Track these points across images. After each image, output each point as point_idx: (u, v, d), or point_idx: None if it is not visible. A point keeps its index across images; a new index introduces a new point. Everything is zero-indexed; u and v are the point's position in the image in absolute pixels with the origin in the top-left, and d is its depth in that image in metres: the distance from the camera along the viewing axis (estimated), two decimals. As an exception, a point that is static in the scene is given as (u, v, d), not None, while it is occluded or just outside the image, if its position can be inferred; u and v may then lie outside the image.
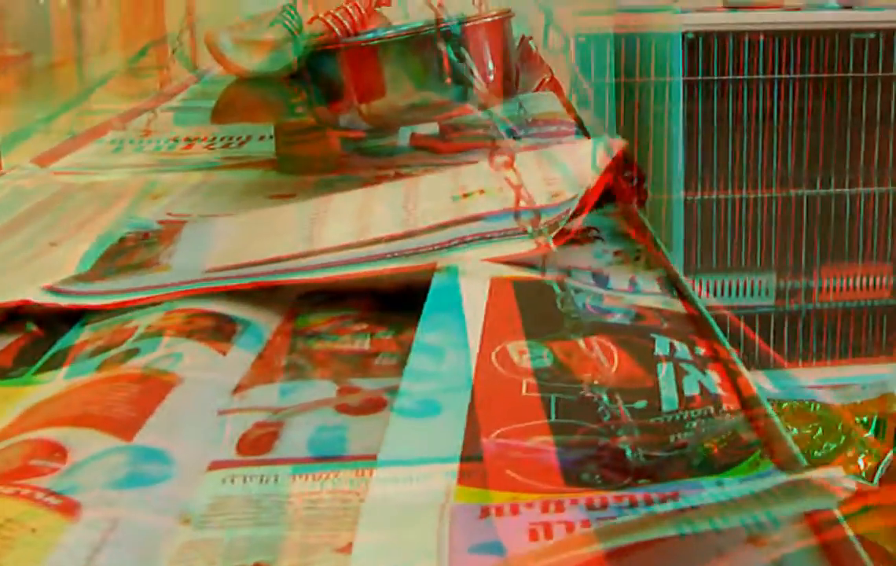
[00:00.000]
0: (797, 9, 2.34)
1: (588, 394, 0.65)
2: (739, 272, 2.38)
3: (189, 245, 1.01)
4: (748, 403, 0.65)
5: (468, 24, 1.20)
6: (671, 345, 0.71)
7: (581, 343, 0.72)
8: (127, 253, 1.01)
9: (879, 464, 2.23)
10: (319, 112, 1.23)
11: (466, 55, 1.19)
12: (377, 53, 1.18)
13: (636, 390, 0.66)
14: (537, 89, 1.84)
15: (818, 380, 2.35)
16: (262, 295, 0.87)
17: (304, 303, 0.87)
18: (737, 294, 2.39)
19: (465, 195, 0.97)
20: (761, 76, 2.30)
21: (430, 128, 1.55)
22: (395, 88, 1.19)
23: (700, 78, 2.31)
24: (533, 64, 2.08)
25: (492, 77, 1.20)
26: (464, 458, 0.58)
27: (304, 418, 0.68)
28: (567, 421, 0.62)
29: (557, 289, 0.79)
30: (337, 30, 1.17)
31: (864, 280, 2.37)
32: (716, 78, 2.31)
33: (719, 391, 0.65)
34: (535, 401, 0.65)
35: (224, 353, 0.76)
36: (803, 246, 2.37)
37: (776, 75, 2.30)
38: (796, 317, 2.39)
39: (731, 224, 2.38)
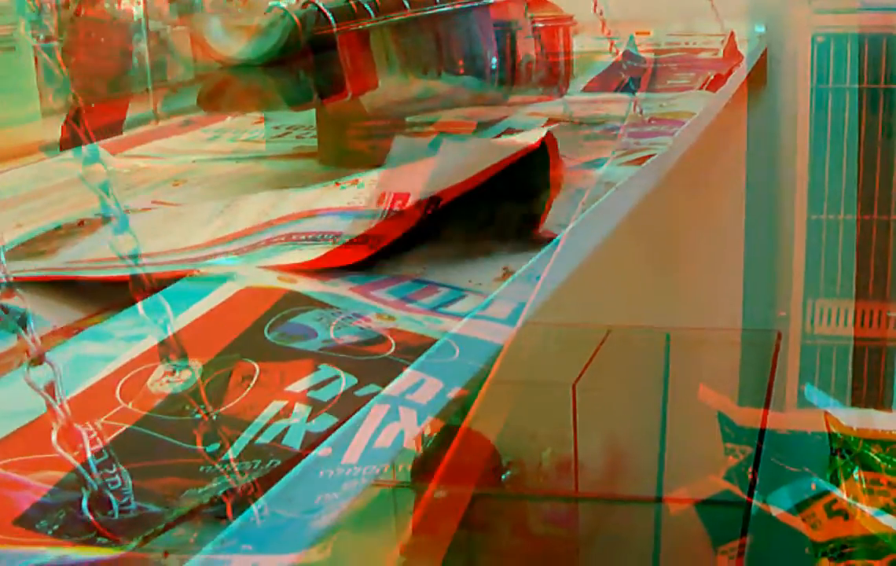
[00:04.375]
0: None
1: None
2: None
3: (99, 237, 0.98)
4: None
5: (472, 7, 1.09)
6: (332, 379, 0.60)
7: (254, 367, 0.62)
8: (46, 240, 1.00)
9: None
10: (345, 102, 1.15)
11: (463, 42, 1.09)
12: (368, 40, 1.09)
13: (245, 424, 0.56)
14: (700, 88, 1.67)
15: None
16: (99, 289, 0.82)
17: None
18: None
19: (337, 184, 0.88)
20: None
21: (536, 121, 1.44)
22: (389, 79, 1.10)
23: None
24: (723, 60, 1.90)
25: (494, 66, 1.08)
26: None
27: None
28: (104, 460, 0.53)
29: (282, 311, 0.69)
30: (330, 15, 1.10)
31: None
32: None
33: (291, 446, 0.53)
34: (108, 432, 0.56)
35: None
36: None
37: None
38: None
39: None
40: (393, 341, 0.65)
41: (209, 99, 1.12)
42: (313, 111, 1.29)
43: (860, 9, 2.10)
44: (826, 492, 2.05)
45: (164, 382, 0.61)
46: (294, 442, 0.53)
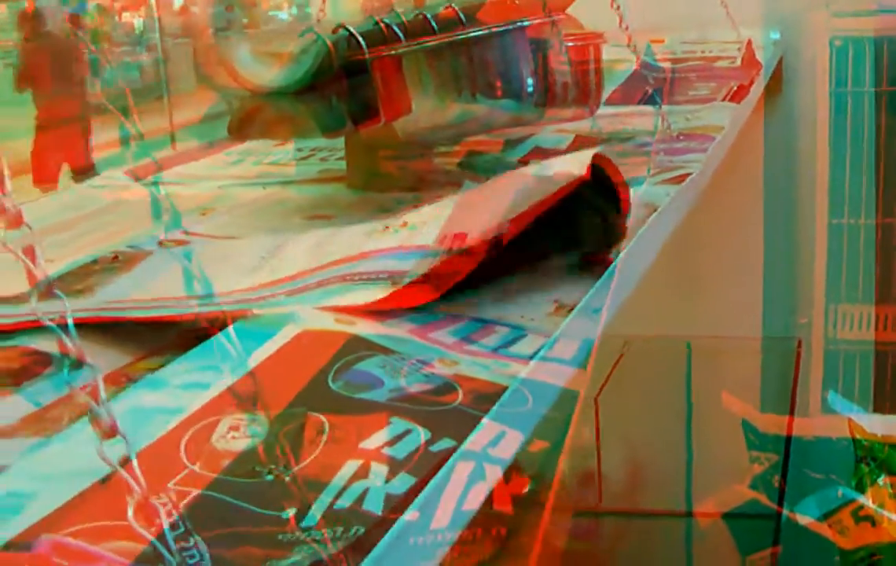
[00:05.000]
0: None
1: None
2: None
3: (138, 274, 0.96)
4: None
5: (507, 30, 1.07)
6: (406, 433, 0.58)
7: (323, 421, 0.60)
8: (81, 277, 0.98)
9: None
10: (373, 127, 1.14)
11: (499, 65, 1.07)
12: (401, 64, 1.08)
13: (321, 485, 0.54)
14: (724, 99, 1.65)
15: None
16: (144, 331, 0.80)
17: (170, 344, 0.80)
18: None
19: (386, 228, 0.86)
20: None
21: (563, 137, 1.42)
22: (423, 103, 1.08)
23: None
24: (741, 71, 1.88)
25: (530, 89, 1.06)
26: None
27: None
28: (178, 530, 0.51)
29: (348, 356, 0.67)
30: (360, 40, 1.08)
31: None
32: None
33: (372, 510, 0.51)
34: (179, 498, 0.54)
35: (-10, 401, 0.70)
36: None
37: None
38: None
39: None
40: (461, 389, 0.64)
41: (240, 127, 1.10)
42: (341, 134, 1.28)
43: (877, 11, 2.09)
44: (852, 499, 2.04)
45: (229, 438, 0.59)
46: (375, 506, 0.51)
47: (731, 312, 2.29)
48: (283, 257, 0.86)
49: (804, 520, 1.97)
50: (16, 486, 0.58)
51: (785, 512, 1.90)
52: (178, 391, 0.67)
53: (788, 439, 1.98)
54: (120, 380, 0.74)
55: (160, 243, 1.07)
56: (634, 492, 2.09)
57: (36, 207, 1.29)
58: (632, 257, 0.91)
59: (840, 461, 2.08)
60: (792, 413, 2.04)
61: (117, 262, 1.01)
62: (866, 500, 2.02)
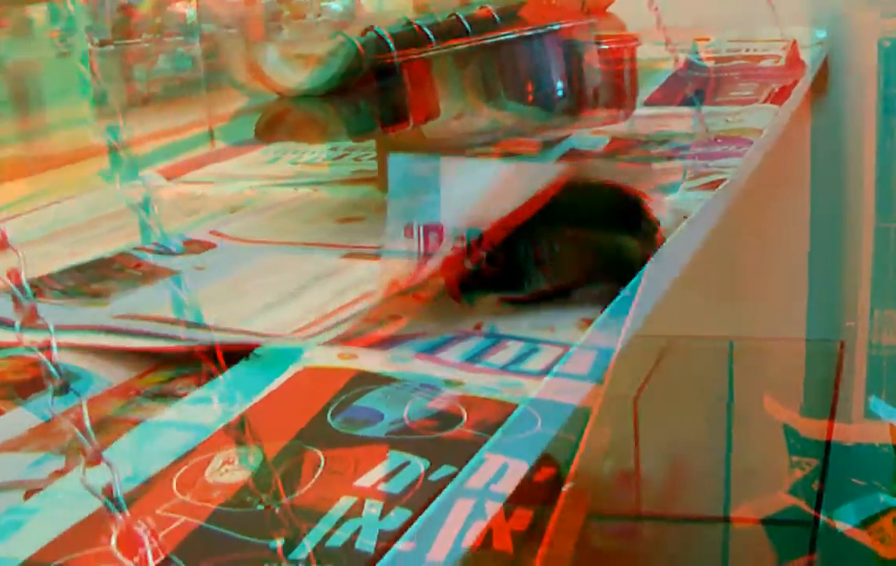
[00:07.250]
0: None
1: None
2: None
3: (161, 289, 0.96)
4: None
5: (538, 34, 1.05)
6: (403, 466, 0.57)
7: (318, 456, 0.59)
8: (101, 278, 0.98)
9: None
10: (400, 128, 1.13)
11: (529, 70, 1.06)
12: (430, 67, 1.07)
13: (313, 519, 0.53)
14: (765, 101, 1.63)
15: None
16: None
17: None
18: None
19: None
20: None
21: (600, 139, 1.41)
22: (452, 107, 1.07)
23: None
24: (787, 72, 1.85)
25: (560, 93, 1.05)
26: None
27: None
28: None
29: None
30: (389, 42, 1.07)
31: None
32: None
33: (365, 549, 0.50)
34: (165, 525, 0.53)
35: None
36: None
37: None
38: None
39: None
40: (465, 412, 0.62)
41: (268, 129, 1.10)
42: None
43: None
44: (894, 506, 2.01)
45: (223, 471, 0.58)
46: (367, 544, 0.50)
47: (775, 313, 2.26)
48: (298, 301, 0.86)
49: (843, 526, 1.94)
50: (17, 504, 0.58)
51: (823, 518, 1.87)
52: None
53: (828, 444, 1.95)
54: (128, 394, 0.74)
55: (186, 243, 1.08)
56: (673, 496, 2.07)
57: (67, 206, 1.29)
58: (659, 265, 0.89)
59: (882, 467, 2.05)
60: (833, 417, 2.02)
61: (139, 270, 1.01)
62: (909, 508, 1.99)
